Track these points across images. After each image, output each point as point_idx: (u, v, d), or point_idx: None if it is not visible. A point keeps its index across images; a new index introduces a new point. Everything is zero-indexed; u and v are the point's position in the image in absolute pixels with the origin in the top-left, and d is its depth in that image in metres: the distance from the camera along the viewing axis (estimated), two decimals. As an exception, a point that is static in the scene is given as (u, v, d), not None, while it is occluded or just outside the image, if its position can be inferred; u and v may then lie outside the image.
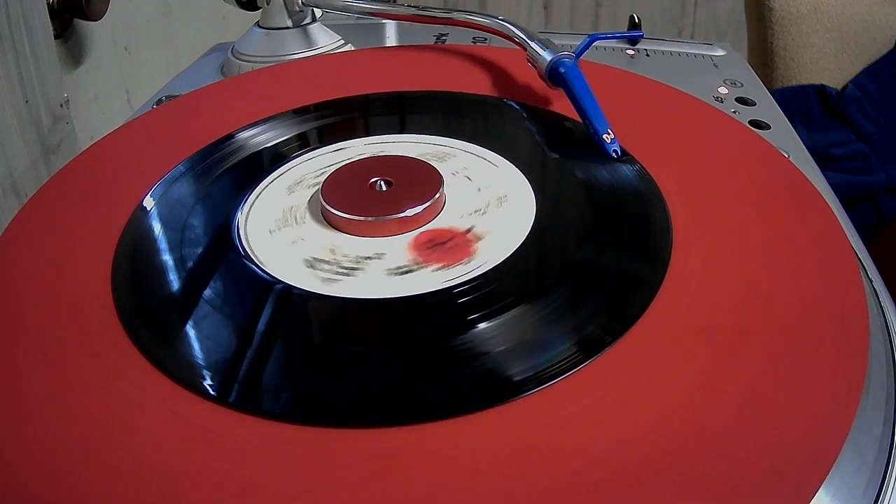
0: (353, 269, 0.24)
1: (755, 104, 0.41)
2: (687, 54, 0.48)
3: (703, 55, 0.47)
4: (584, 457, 0.18)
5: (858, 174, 0.71)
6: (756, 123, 0.38)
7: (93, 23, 0.56)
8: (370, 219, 0.26)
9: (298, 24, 0.46)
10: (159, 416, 0.20)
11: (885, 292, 0.26)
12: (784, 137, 0.37)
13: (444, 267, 0.24)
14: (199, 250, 0.26)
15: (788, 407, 0.19)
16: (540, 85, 0.34)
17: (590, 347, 0.21)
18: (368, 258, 0.25)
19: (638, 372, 0.20)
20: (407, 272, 0.24)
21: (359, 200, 0.27)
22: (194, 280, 0.25)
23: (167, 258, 0.26)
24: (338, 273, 0.24)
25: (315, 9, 0.46)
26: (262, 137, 0.33)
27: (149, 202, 0.29)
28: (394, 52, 0.43)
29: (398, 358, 0.21)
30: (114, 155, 0.33)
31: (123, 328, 0.23)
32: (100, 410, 0.20)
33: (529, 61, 0.34)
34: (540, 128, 0.32)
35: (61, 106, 0.52)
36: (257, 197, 0.29)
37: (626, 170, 0.28)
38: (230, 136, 0.33)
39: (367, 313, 0.23)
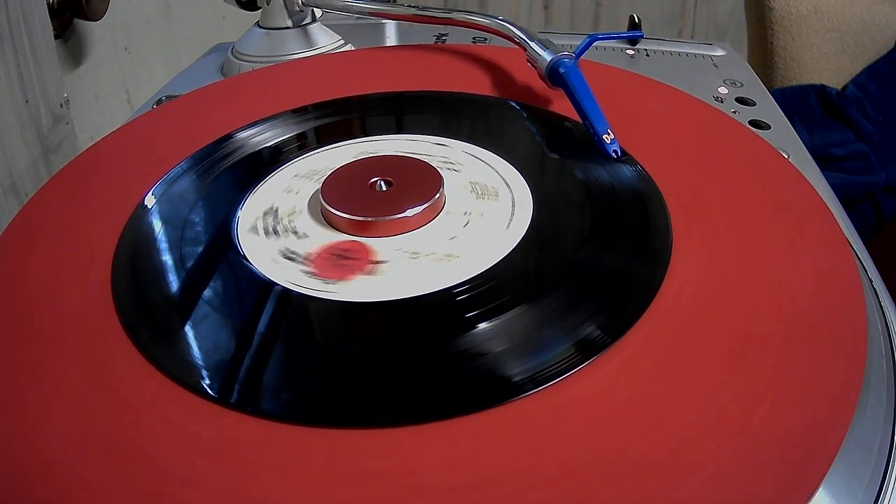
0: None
1: (755, 104, 0.41)
2: (687, 54, 0.47)
3: (703, 55, 0.47)
4: (584, 457, 0.18)
5: (858, 174, 0.71)
6: (756, 123, 0.38)
7: (93, 23, 0.56)
8: (370, 219, 0.26)
9: (298, 24, 0.46)
10: (159, 416, 0.20)
11: (885, 292, 0.26)
12: (784, 137, 0.37)
13: (329, 280, 0.24)
14: (199, 250, 0.26)
15: (787, 408, 0.19)
16: (540, 85, 0.34)
17: (589, 348, 0.21)
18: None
19: (637, 373, 0.20)
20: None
21: (359, 200, 0.27)
22: (194, 280, 0.25)
23: (167, 258, 0.26)
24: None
25: (315, 9, 0.46)
26: (261, 137, 0.33)
27: (149, 202, 0.29)
28: (394, 52, 0.43)
29: (398, 359, 0.21)
30: (114, 155, 0.33)
31: (123, 328, 0.23)
32: (99, 411, 0.20)
33: (529, 61, 0.34)
34: (539, 128, 0.32)
35: (61, 106, 0.52)
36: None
37: (625, 170, 0.28)
38: (230, 136, 0.33)
39: (366, 314, 0.23)
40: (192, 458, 0.18)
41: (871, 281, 0.26)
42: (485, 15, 0.39)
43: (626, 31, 0.46)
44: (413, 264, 0.24)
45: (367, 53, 0.43)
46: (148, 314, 0.23)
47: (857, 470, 0.18)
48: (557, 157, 0.30)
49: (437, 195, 0.27)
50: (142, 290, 0.24)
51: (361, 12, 0.44)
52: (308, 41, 0.46)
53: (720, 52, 0.48)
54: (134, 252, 0.26)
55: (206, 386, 0.20)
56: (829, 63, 0.78)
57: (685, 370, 0.20)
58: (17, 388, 0.21)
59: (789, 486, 0.17)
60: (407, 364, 0.21)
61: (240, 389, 0.20)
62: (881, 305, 0.25)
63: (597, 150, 0.29)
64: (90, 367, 0.21)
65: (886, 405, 0.20)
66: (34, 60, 0.48)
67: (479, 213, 0.27)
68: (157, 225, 0.27)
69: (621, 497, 0.17)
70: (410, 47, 0.43)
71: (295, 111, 0.34)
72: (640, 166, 0.28)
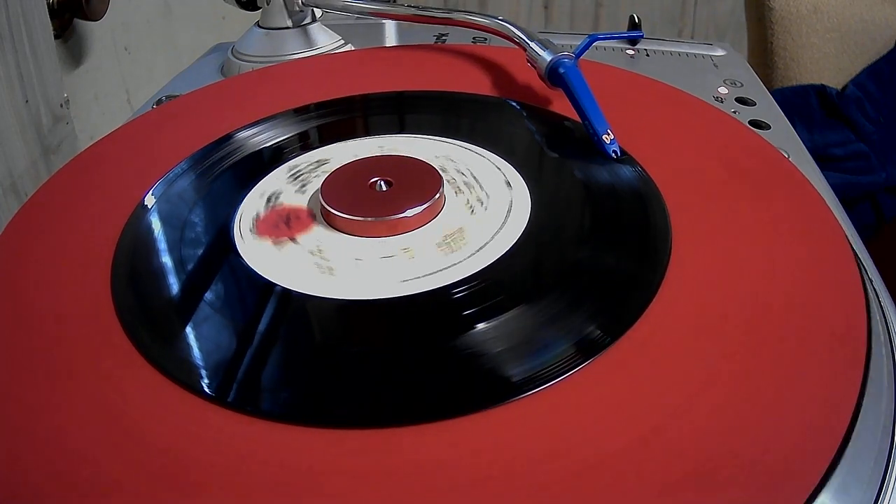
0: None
1: (755, 104, 0.41)
2: (687, 54, 0.47)
3: (703, 55, 0.47)
4: (583, 457, 0.18)
5: (858, 174, 0.71)
6: (756, 123, 0.38)
7: (93, 23, 0.56)
8: (370, 219, 0.26)
9: (298, 24, 0.46)
10: (158, 416, 0.20)
11: (885, 292, 0.26)
12: (784, 137, 0.37)
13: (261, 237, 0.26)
14: (199, 251, 0.26)
15: (787, 408, 0.19)
16: (539, 85, 0.34)
17: (588, 348, 0.21)
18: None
19: (636, 373, 0.20)
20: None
21: (359, 200, 0.27)
22: (194, 281, 0.25)
23: (167, 259, 0.26)
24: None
25: (315, 9, 0.46)
26: (261, 137, 0.33)
27: (149, 202, 0.29)
28: (394, 52, 0.43)
29: (397, 359, 0.21)
30: (114, 155, 0.33)
31: (123, 328, 0.23)
32: (98, 410, 0.20)
33: (529, 61, 0.34)
34: (539, 128, 0.32)
35: (61, 106, 0.52)
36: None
37: (625, 170, 0.28)
38: (230, 136, 0.33)
39: (366, 314, 0.23)
40: (191, 457, 0.18)
41: (871, 281, 0.26)
42: (485, 15, 0.39)
43: (626, 31, 0.46)
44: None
45: (367, 53, 0.43)
46: (148, 314, 0.23)
47: (857, 470, 0.18)
48: (557, 156, 0.30)
49: (437, 195, 0.27)
50: (141, 290, 0.24)
51: (361, 12, 0.44)
52: (308, 41, 0.46)
53: (720, 52, 0.48)
54: (134, 252, 0.26)
55: (205, 386, 0.20)
56: (829, 63, 0.78)
57: (684, 370, 0.20)
58: (16, 387, 0.21)
59: (789, 485, 0.17)
60: (406, 364, 0.21)
61: (238, 389, 0.20)
62: (881, 305, 0.25)
63: (596, 150, 0.29)
64: (90, 367, 0.21)
65: (886, 405, 0.20)
66: (34, 60, 0.48)
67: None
68: (157, 225, 0.27)
69: (620, 497, 0.17)
70: (410, 47, 0.43)
71: (295, 111, 0.34)
72: (640, 166, 0.28)
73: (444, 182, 0.28)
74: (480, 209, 0.27)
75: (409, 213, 0.26)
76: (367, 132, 0.33)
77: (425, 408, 0.19)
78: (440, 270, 0.24)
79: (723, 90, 0.42)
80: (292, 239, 0.26)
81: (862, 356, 0.20)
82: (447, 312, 0.23)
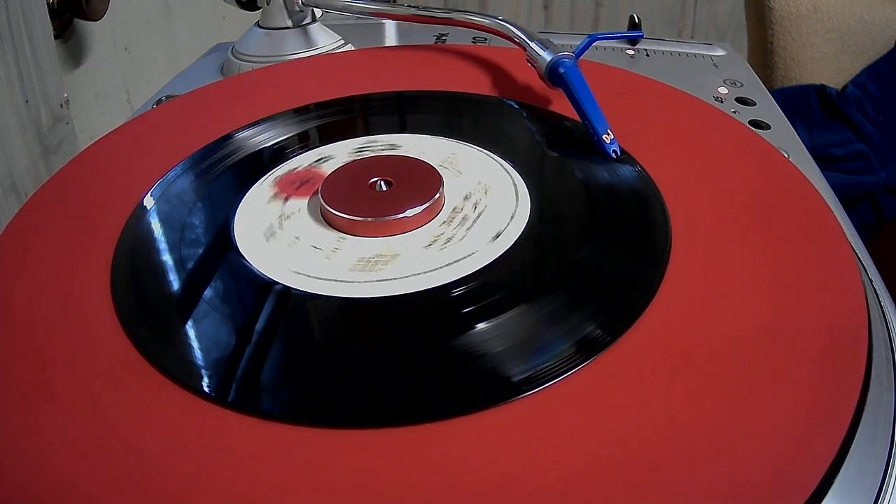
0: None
1: (755, 104, 0.41)
2: (687, 54, 0.47)
3: (703, 55, 0.47)
4: (583, 457, 0.18)
5: (858, 174, 0.71)
6: (756, 123, 0.38)
7: (93, 23, 0.56)
8: (370, 219, 0.26)
9: (298, 24, 0.46)
10: (158, 416, 0.20)
11: (885, 292, 0.26)
12: (784, 137, 0.37)
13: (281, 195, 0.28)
14: (199, 250, 0.26)
15: (787, 407, 0.19)
16: (539, 85, 0.34)
17: (588, 348, 0.21)
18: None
19: (636, 373, 0.20)
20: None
21: (359, 200, 0.27)
22: (194, 280, 0.25)
23: (167, 258, 0.26)
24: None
25: (315, 9, 0.46)
26: (261, 137, 0.33)
27: (148, 202, 0.29)
28: (394, 52, 0.43)
29: (397, 358, 0.21)
30: (114, 155, 0.33)
31: (123, 328, 0.23)
32: (98, 410, 0.20)
33: (529, 61, 0.34)
34: (539, 127, 0.32)
35: (61, 106, 0.52)
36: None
37: (625, 170, 0.28)
38: (230, 136, 0.33)
39: (365, 313, 0.23)
40: (190, 457, 0.18)
41: (871, 281, 0.26)
42: (485, 15, 0.39)
43: (626, 31, 0.46)
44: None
45: (367, 53, 0.43)
46: (147, 313, 0.23)
47: (857, 470, 0.18)
48: (557, 156, 0.30)
49: (437, 195, 0.27)
50: (141, 289, 0.24)
51: (361, 12, 0.44)
52: (308, 41, 0.46)
53: (720, 52, 0.48)
54: (133, 252, 0.26)
55: (204, 385, 0.20)
56: (829, 63, 0.78)
57: (684, 370, 0.20)
58: (16, 387, 0.21)
59: (789, 485, 0.17)
60: (406, 363, 0.21)
61: (238, 389, 0.20)
62: (881, 305, 0.25)
63: (596, 150, 0.29)
64: (89, 366, 0.21)
65: (886, 405, 0.20)
66: (34, 60, 0.48)
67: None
68: (157, 225, 0.27)
69: (620, 497, 0.17)
70: (410, 47, 0.43)
71: (295, 111, 0.34)
72: (640, 166, 0.28)
73: (444, 182, 0.28)
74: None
75: (409, 212, 0.26)
76: (367, 132, 0.33)
77: (425, 408, 0.19)
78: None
79: (723, 90, 0.42)
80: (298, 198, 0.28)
81: (862, 356, 0.20)
82: (446, 311, 0.23)
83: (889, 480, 0.19)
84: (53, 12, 0.52)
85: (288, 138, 0.33)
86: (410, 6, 0.42)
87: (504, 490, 0.17)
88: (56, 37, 0.53)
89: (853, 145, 0.73)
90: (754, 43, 0.83)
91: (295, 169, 0.30)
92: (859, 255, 0.27)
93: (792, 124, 0.39)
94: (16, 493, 0.18)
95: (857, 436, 0.19)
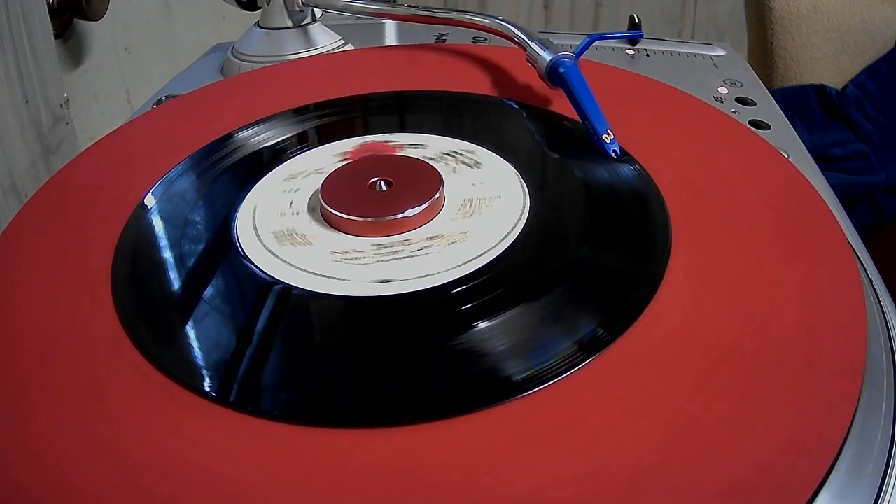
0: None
1: (755, 104, 0.41)
2: (687, 54, 0.47)
3: (703, 55, 0.47)
4: (584, 456, 0.18)
5: (858, 174, 0.72)
6: (756, 123, 0.38)
7: (93, 23, 0.56)
8: (370, 219, 0.26)
9: (298, 24, 0.46)
10: (158, 416, 0.20)
11: (885, 292, 0.26)
12: (784, 137, 0.37)
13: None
14: (199, 250, 0.26)
15: (786, 407, 0.19)
16: (539, 85, 0.34)
17: (589, 347, 0.21)
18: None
19: (637, 372, 0.20)
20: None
21: (359, 200, 0.27)
22: (194, 280, 0.25)
23: (167, 258, 0.26)
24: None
25: (315, 9, 0.46)
26: (261, 137, 0.33)
27: (149, 201, 0.29)
28: (394, 52, 0.43)
29: (398, 357, 0.21)
30: (114, 155, 0.33)
31: (123, 327, 0.23)
32: (98, 410, 0.20)
33: (529, 61, 0.34)
34: (539, 127, 0.32)
35: (61, 106, 0.52)
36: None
37: (625, 170, 0.28)
38: (230, 136, 0.33)
39: (366, 312, 0.23)
40: (190, 457, 0.18)
41: (871, 281, 0.26)
42: (485, 15, 0.39)
43: (626, 31, 0.46)
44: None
45: (367, 53, 0.43)
46: (147, 313, 0.23)
47: (857, 470, 0.18)
48: (557, 156, 0.30)
49: (437, 195, 0.27)
50: (141, 289, 0.24)
51: (361, 12, 0.44)
52: (308, 41, 0.46)
53: (720, 52, 0.48)
54: (134, 252, 0.26)
55: (205, 385, 0.20)
56: (829, 63, 0.78)
57: (684, 370, 0.20)
58: (16, 387, 0.21)
59: (789, 485, 0.17)
60: (406, 363, 0.21)
61: (239, 389, 0.20)
62: (881, 305, 0.25)
63: (596, 150, 0.29)
64: (89, 366, 0.21)
65: (886, 405, 0.20)
66: (34, 60, 0.48)
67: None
68: (157, 224, 0.27)
69: (620, 496, 0.17)
70: (410, 47, 0.43)
71: (295, 111, 0.34)
72: (640, 166, 0.28)
73: (444, 181, 0.28)
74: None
75: (409, 212, 0.26)
76: (367, 132, 0.33)
77: (426, 407, 0.19)
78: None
79: (723, 90, 0.42)
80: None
81: (862, 356, 0.20)
82: (447, 311, 0.23)
83: (889, 480, 0.19)
84: (53, 12, 0.52)
85: (288, 138, 0.33)
86: (410, 6, 0.42)
87: (504, 489, 0.17)
88: (56, 37, 0.53)
89: (853, 145, 0.73)
90: (754, 43, 0.83)
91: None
92: (859, 255, 0.27)
93: (792, 124, 0.39)
94: (16, 493, 0.18)
95: (856, 436, 0.19)
